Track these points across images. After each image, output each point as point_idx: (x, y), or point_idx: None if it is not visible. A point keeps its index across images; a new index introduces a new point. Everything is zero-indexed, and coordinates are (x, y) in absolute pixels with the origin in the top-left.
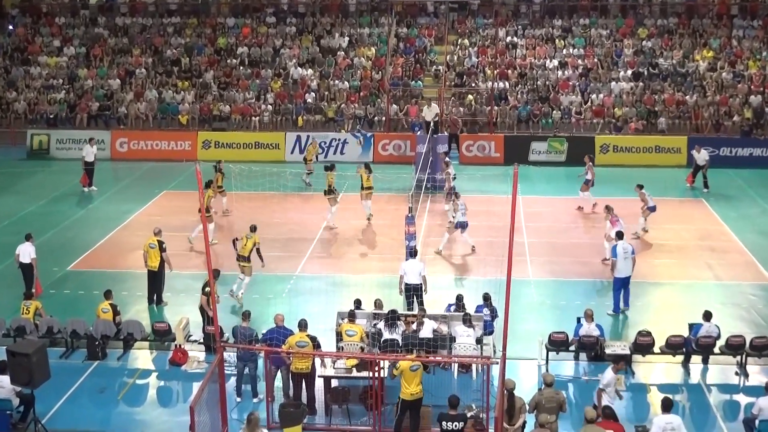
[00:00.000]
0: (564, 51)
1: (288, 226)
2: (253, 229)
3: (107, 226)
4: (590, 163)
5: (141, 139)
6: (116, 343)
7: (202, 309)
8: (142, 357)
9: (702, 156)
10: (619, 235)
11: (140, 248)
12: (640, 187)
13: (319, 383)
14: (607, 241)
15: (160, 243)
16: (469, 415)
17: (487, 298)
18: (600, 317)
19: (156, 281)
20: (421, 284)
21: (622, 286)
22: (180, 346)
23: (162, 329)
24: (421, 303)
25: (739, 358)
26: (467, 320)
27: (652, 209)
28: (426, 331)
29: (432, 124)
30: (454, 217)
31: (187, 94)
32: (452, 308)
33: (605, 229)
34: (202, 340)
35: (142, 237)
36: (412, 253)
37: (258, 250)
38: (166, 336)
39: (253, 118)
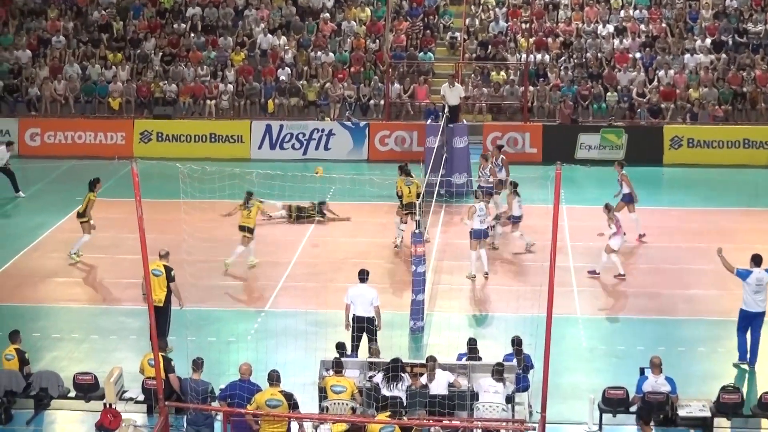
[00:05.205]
0: (622, 13)
1: (254, 245)
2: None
3: (12, 245)
4: (503, 156)
5: (59, 130)
6: (26, 401)
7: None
8: (61, 420)
9: None
10: (756, 260)
11: (57, 274)
12: None
13: None
14: (606, 252)
15: (168, 269)
16: None
17: (517, 343)
18: (674, 367)
19: (160, 320)
20: (373, 317)
21: (749, 324)
22: (110, 405)
23: (86, 383)
24: (373, 342)
25: None
26: (498, 372)
27: None
28: (439, 386)
29: (446, 109)
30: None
31: (121, 70)
32: (464, 358)
33: (608, 233)
34: (140, 398)
35: (58, 260)
36: (362, 275)
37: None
38: (92, 392)
39: (209, 101)
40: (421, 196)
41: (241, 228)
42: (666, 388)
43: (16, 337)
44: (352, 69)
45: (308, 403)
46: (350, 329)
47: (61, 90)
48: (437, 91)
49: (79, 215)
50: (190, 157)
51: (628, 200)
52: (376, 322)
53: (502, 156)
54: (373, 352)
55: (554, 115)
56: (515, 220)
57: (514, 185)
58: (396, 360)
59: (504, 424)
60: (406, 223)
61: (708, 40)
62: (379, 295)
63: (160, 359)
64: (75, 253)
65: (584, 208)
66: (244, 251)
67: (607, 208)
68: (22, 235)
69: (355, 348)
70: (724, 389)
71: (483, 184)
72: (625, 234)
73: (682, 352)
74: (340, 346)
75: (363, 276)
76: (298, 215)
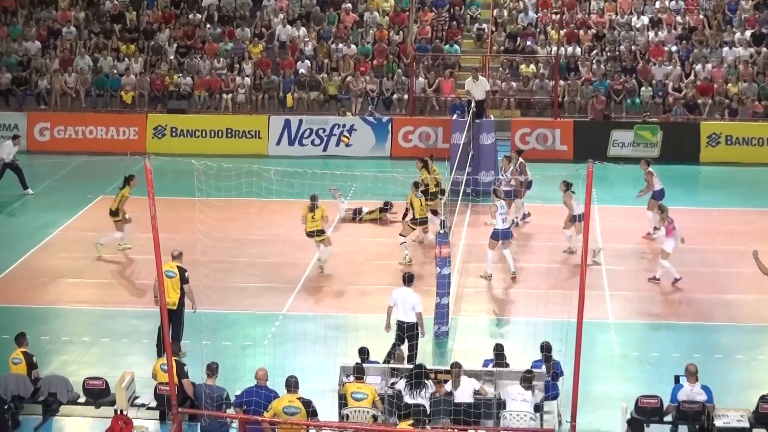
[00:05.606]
0: (657, 4)
1: (272, 246)
2: (315, 198)
3: (20, 245)
4: (521, 160)
5: (69, 124)
6: (34, 407)
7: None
8: (70, 426)
9: None
10: None
11: (66, 275)
12: None
13: None
14: (662, 258)
15: (182, 271)
16: None
17: (546, 349)
18: (710, 375)
19: (174, 323)
20: (415, 323)
21: None
22: (122, 411)
23: (96, 388)
24: (412, 349)
25: None
26: (527, 379)
27: None
28: (464, 394)
29: (473, 104)
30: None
31: (134, 63)
32: (491, 364)
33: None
34: (152, 404)
35: (68, 260)
36: (407, 278)
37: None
38: (103, 398)
39: (225, 95)
40: (446, 193)
41: (309, 234)
42: (702, 397)
43: (23, 340)
44: (375, 62)
45: (327, 411)
46: (390, 331)
47: (72, 83)
48: (463, 85)
49: (112, 213)
50: (206, 153)
51: (659, 197)
52: (419, 329)
53: (520, 160)
54: (397, 357)
55: (586, 110)
56: (579, 219)
57: (568, 184)
58: (419, 366)
59: None
60: (405, 236)
61: (748, 33)
62: (422, 300)
63: (174, 364)
64: (101, 244)
65: (617, 208)
66: (330, 251)
67: (660, 209)
68: (30, 234)
69: (391, 354)
70: (763, 399)
71: (505, 188)
72: (676, 237)
73: (719, 360)
74: (362, 351)
75: (407, 280)
76: (362, 217)
